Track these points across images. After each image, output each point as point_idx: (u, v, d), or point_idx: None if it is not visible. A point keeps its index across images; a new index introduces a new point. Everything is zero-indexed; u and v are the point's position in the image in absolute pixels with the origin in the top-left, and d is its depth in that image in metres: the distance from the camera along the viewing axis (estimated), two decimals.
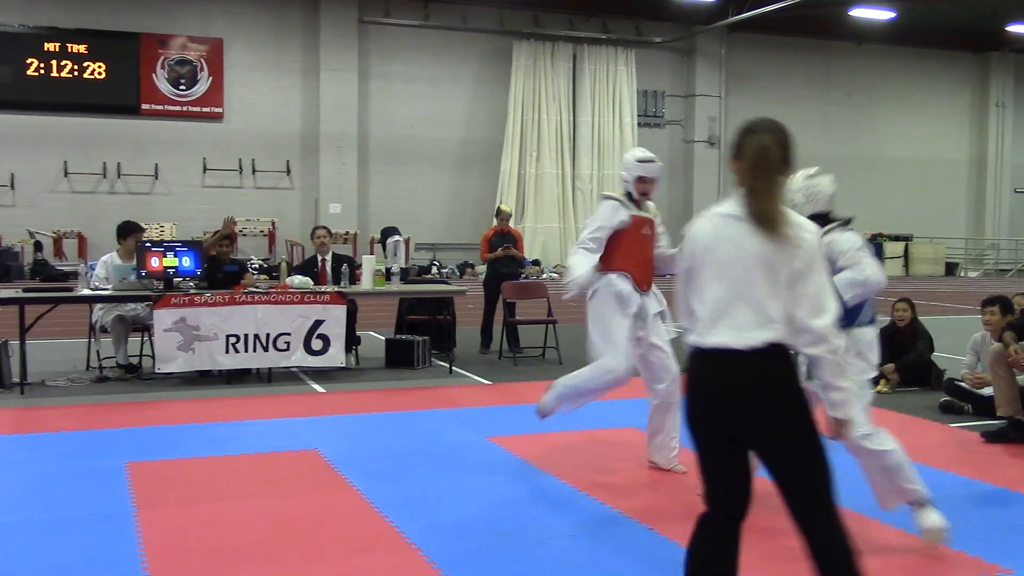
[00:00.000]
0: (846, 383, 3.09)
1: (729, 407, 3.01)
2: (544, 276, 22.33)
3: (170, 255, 8.54)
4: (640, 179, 5.74)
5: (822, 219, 4.52)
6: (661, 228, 5.90)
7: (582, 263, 5.57)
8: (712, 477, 3.12)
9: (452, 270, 23.76)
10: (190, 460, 5.87)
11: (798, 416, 2.99)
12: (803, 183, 4.69)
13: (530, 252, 23.25)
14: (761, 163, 3.08)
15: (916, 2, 24.36)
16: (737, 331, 3.00)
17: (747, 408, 2.99)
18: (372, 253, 20.33)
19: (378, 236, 22.03)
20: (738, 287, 3.02)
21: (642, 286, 5.71)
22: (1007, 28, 26.40)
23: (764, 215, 3.02)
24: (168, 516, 4.76)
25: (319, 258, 9.68)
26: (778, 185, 3.08)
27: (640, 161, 5.77)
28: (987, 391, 7.16)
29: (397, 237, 12.74)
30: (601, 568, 4.16)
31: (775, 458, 3.03)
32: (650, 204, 5.91)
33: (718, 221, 3.13)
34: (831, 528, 3.03)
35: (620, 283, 5.65)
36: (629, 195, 5.77)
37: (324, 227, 10.06)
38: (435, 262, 23.70)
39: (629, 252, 5.66)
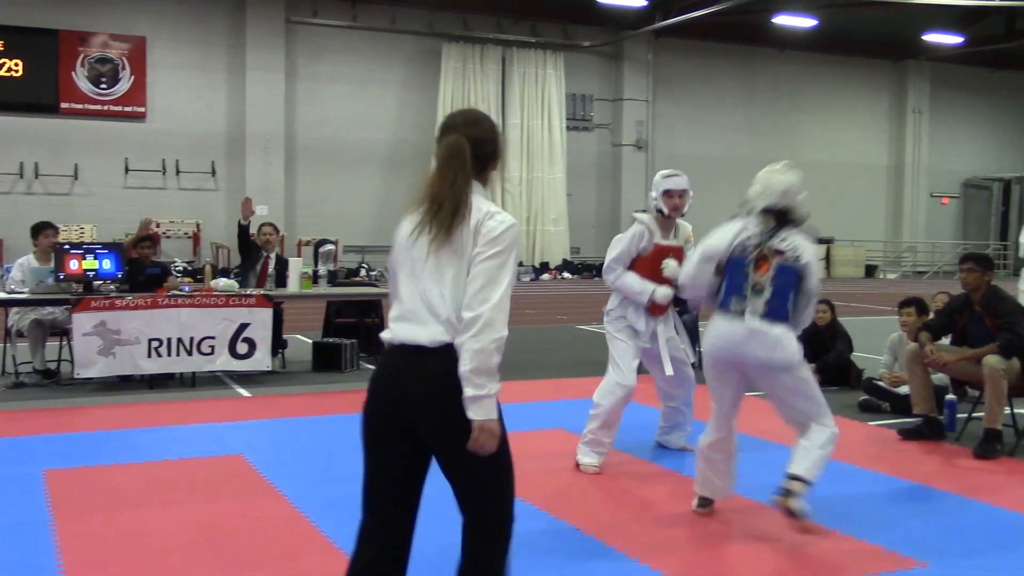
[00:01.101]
0: (493, 386, 2.78)
1: (409, 407, 2.84)
2: None
3: (90, 257, 8.34)
4: (667, 192, 5.83)
5: (781, 216, 4.66)
6: (691, 252, 5.93)
7: (633, 278, 5.79)
8: (378, 492, 2.95)
9: (381, 273, 23.61)
10: (110, 467, 5.74)
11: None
12: (762, 175, 4.78)
13: None
14: (449, 162, 2.88)
15: (836, 11, 24.95)
16: (422, 327, 2.82)
17: (425, 409, 2.82)
18: (300, 256, 20.18)
19: (306, 239, 21.89)
20: (427, 284, 2.84)
21: (654, 313, 5.88)
22: (923, 37, 27.20)
23: (442, 215, 2.83)
24: (87, 524, 4.64)
25: (263, 254, 9.53)
26: (464, 183, 2.86)
27: (665, 176, 5.90)
28: (904, 390, 7.34)
29: (330, 246, 12.71)
30: (529, 570, 4.18)
31: (450, 464, 2.88)
32: (683, 228, 6.04)
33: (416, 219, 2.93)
34: (490, 555, 2.94)
35: (633, 316, 5.86)
36: (661, 213, 5.86)
37: (271, 224, 9.88)
38: (364, 265, 23.54)
39: (644, 274, 5.78)
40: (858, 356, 9.07)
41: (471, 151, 2.89)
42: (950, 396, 7.10)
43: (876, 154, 31.17)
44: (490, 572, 2.95)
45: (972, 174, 32.33)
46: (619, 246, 5.89)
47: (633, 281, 5.78)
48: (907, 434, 6.80)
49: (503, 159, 3.04)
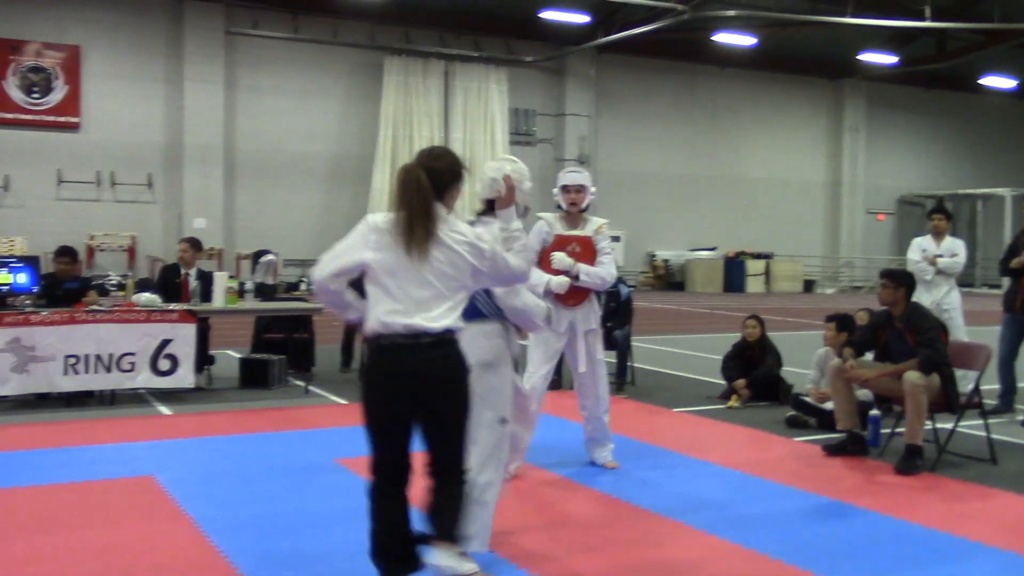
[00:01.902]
0: None
1: (421, 383, 3.59)
2: None
3: (3, 271, 8.07)
4: (564, 188, 6.05)
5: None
6: (604, 243, 6.09)
7: (540, 272, 5.83)
8: (393, 449, 3.65)
9: None
10: (11, 490, 5.50)
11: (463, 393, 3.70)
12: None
13: None
14: (405, 191, 3.58)
15: (775, 30, 25.30)
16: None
17: (436, 383, 3.62)
18: (238, 270, 19.83)
19: (245, 252, 21.54)
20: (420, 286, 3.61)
21: (566, 301, 5.95)
22: (859, 57, 27.69)
23: (410, 239, 3.55)
24: None
25: (183, 271, 9.34)
26: (427, 210, 3.58)
27: (564, 172, 6.15)
28: (830, 405, 7.38)
29: (271, 256, 12.45)
30: None
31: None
32: (594, 221, 6.15)
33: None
34: (462, 474, 3.74)
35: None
36: (566, 212, 6.03)
37: (189, 240, 9.66)
38: (304, 278, 23.26)
39: (548, 269, 5.90)
40: (791, 371, 9.11)
41: (430, 181, 3.60)
42: (874, 412, 7.14)
43: (814, 171, 31.63)
44: (464, 493, 3.74)
45: (907, 191, 32.94)
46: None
47: (532, 274, 5.91)
48: (831, 450, 6.81)
49: (460, 187, 3.79)
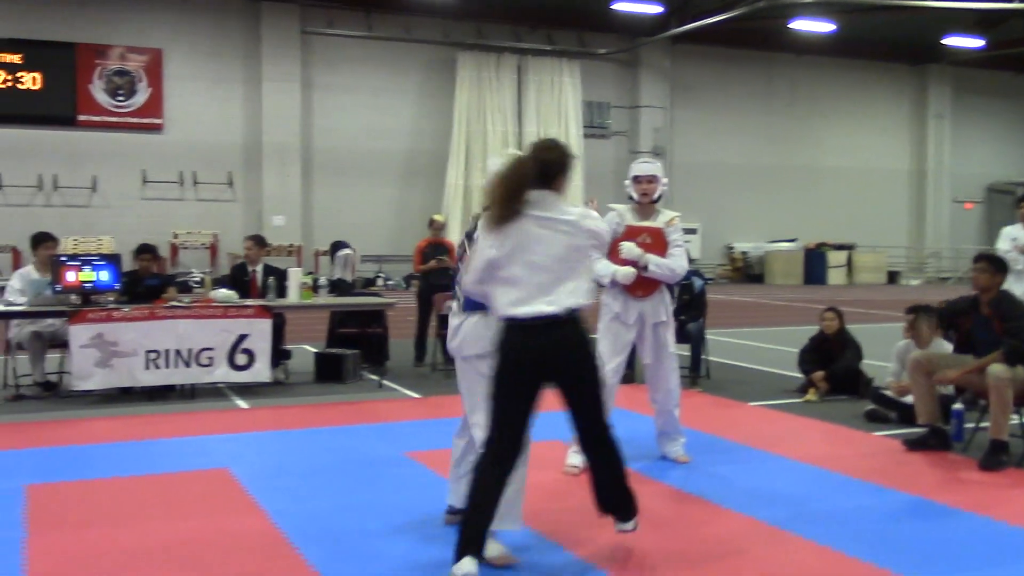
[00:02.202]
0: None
1: (550, 360, 3.97)
2: None
3: (87, 269, 8.30)
4: (635, 179, 6.03)
5: None
6: (676, 235, 6.02)
7: (602, 262, 5.81)
8: (511, 425, 3.97)
9: (399, 282, 23.58)
10: (94, 482, 5.66)
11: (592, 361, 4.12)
12: None
13: None
14: (507, 176, 3.97)
15: (854, 15, 24.67)
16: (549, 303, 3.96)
17: (565, 359, 3.99)
18: (316, 266, 20.09)
19: (323, 248, 21.83)
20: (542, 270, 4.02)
21: (636, 292, 5.94)
22: (943, 41, 26.85)
23: (501, 222, 3.92)
24: (59, 541, 4.56)
25: (249, 268, 9.51)
26: (520, 193, 3.95)
27: (636, 163, 6.16)
28: (911, 399, 7.16)
29: (348, 251, 12.53)
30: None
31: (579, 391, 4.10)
32: (666, 213, 6.12)
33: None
34: (607, 430, 4.18)
35: (610, 299, 6.00)
36: (632, 199, 6.05)
37: (253, 237, 9.86)
38: (380, 274, 23.51)
39: (617, 260, 5.88)
40: (871, 364, 8.88)
41: (541, 170, 4.01)
42: (957, 405, 6.91)
43: (897, 159, 30.82)
44: (613, 439, 4.22)
45: (996, 179, 31.85)
46: None
47: (599, 265, 5.86)
48: (912, 445, 6.61)
49: (570, 175, 4.15)
